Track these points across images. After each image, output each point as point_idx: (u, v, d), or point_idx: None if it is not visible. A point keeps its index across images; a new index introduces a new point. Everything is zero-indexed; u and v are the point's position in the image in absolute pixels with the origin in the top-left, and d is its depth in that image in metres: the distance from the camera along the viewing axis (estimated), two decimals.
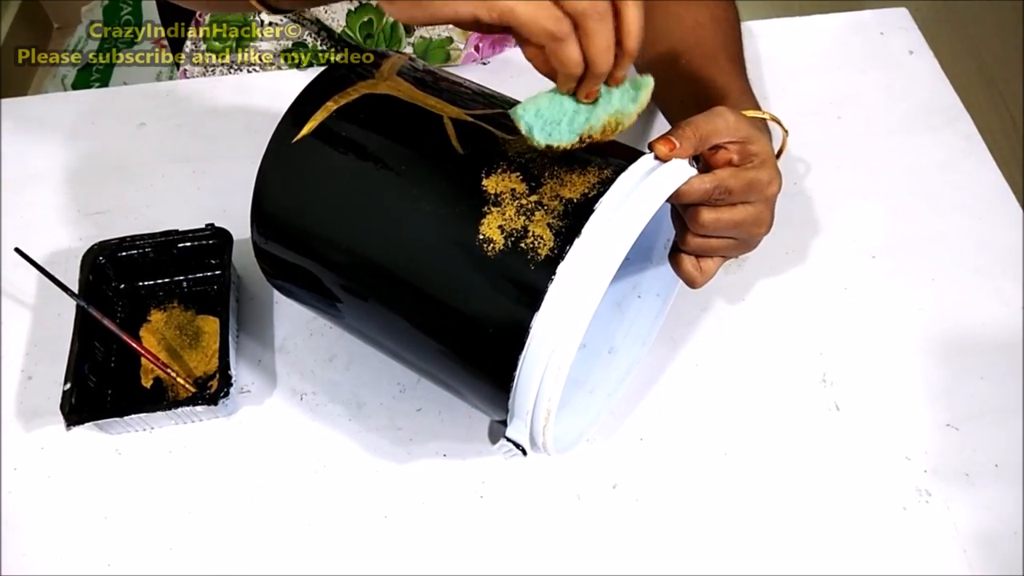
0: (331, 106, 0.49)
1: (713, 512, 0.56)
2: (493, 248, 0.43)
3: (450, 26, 0.75)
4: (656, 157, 0.46)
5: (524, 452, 0.46)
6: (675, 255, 0.51)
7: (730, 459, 0.58)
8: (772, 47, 0.81)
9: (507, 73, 0.79)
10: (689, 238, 0.49)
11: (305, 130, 0.48)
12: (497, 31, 0.40)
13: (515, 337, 0.42)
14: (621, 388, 0.58)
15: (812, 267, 0.67)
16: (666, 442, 0.58)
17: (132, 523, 0.56)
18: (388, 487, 0.57)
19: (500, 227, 0.43)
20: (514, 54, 0.80)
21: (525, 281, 0.42)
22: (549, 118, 0.44)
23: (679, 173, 0.45)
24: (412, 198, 0.46)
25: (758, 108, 0.55)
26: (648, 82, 0.45)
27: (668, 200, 0.46)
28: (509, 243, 0.43)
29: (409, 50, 0.77)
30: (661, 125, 0.74)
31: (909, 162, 0.73)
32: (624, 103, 0.45)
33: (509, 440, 0.46)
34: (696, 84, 0.58)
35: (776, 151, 0.52)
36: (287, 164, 0.49)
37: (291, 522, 0.56)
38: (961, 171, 0.72)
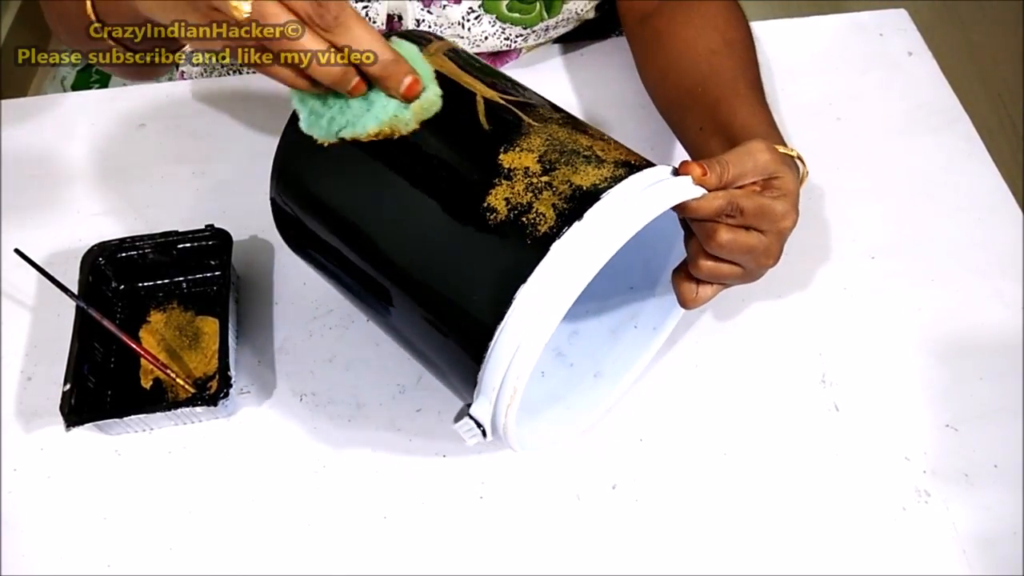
0: None
1: (713, 512, 0.56)
2: (495, 217, 0.44)
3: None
4: (675, 172, 0.46)
5: (484, 434, 0.46)
6: (679, 274, 0.51)
7: (730, 459, 0.58)
8: (772, 48, 0.81)
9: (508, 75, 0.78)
10: (701, 262, 0.49)
11: None
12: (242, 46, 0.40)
13: (497, 307, 0.42)
14: (597, 414, 0.57)
15: (812, 267, 0.67)
16: (666, 442, 0.58)
17: (132, 523, 0.56)
18: (388, 487, 0.57)
19: (507, 199, 0.44)
20: (512, 63, 0.80)
21: (518, 253, 0.43)
22: (314, 108, 0.44)
23: (692, 187, 0.46)
24: (430, 160, 0.47)
25: (783, 143, 0.55)
26: (431, 99, 0.45)
27: (680, 213, 0.46)
28: (512, 216, 0.43)
29: None
30: (660, 124, 0.74)
31: (908, 163, 0.73)
32: (399, 110, 0.44)
33: (472, 418, 0.45)
34: (716, 113, 0.58)
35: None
36: None
37: (291, 522, 0.56)
38: (960, 172, 0.72)
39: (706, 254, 0.48)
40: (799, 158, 0.54)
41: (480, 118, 0.48)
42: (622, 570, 0.54)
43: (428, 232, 0.46)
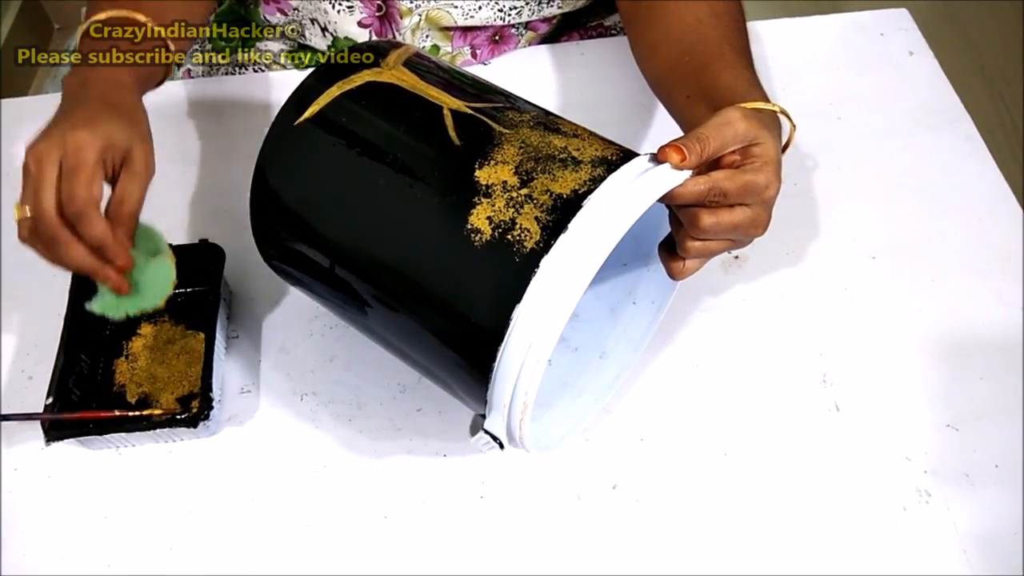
0: (334, 91, 0.49)
1: (713, 512, 0.56)
2: (480, 238, 0.43)
3: (432, 32, 0.76)
4: (653, 159, 0.46)
5: (502, 446, 0.46)
6: (666, 249, 0.51)
7: (730, 459, 0.58)
8: (772, 48, 0.81)
9: (507, 73, 0.79)
10: (688, 243, 0.49)
11: (307, 113, 0.49)
12: None
13: (496, 328, 0.42)
14: (610, 394, 0.58)
15: (812, 267, 0.67)
16: (666, 442, 0.58)
17: (132, 523, 0.56)
18: (388, 487, 0.57)
19: (489, 218, 0.43)
20: (514, 56, 0.80)
21: (509, 273, 0.42)
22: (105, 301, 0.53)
23: (673, 175, 0.45)
24: (406, 185, 0.46)
25: (766, 100, 0.54)
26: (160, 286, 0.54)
27: (662, 201, 0.46)
28: (496, 234, 0.43)
29: None
30: (660, 123, 0.74)
31: (909, 163, 0.73)
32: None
33: (487, 433, 0.46)
34: (702, 79, 0.58)
35: (783, 144, 0.52)
36: (288, 145, 0.50)
37: (291, 522, 0.56)
38: (961, 172, 0.72)
39: (691, 235, 0.48)
40: (783, 112, 0.53)
41: (450, 133, 0.47)
42: (622, 570, 0.54)
43: (421, 259, 0.46)
